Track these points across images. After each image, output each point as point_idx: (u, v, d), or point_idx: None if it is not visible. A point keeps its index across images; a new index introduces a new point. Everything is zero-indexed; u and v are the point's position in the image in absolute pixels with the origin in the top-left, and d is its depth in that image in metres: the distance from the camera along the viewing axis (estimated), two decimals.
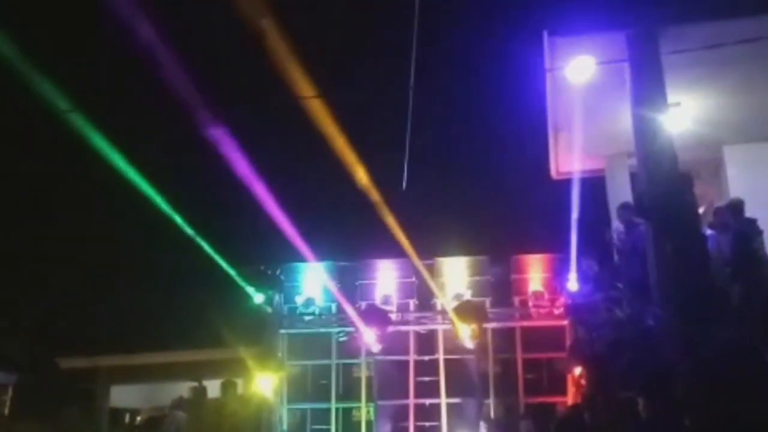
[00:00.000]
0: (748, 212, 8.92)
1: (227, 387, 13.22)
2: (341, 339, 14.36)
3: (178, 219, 13.69)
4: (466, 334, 13.43)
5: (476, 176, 17.95)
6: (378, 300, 14.38)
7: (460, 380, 13.81)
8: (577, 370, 9.41)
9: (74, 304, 17.75)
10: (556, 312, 13.79)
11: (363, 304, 14.33)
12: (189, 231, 13.83)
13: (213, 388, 13.60)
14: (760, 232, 8.39)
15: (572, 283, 11.28)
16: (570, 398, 12.22)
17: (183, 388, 14.53)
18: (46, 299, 17.87)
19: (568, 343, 12.68)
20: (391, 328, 13.90)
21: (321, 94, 13.24)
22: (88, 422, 15.70)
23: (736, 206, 8.85)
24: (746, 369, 2.68)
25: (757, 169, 11.48)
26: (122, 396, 17.25)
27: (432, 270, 14.54)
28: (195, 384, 13.92)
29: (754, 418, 2.43)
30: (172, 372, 15.95)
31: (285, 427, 13.88)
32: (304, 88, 11.32)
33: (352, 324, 13.98)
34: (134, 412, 17.93)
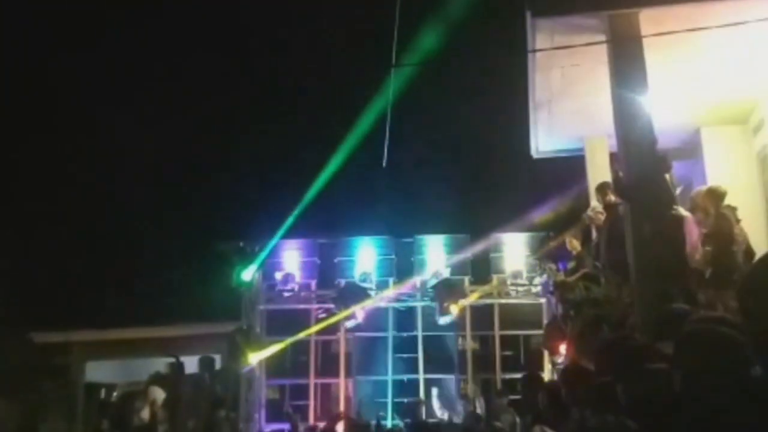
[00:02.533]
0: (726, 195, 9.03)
1: (205, 363, 13.20)
2: (320, 315, 14.42)
3: (157, 194, 13.60)
4: (445, 311, 13.53)
5: (457, 154, 17.99)
6: (357, 277, 14.42)
7: (439, 357, 13.95)
8: (556, 348, 9.53)
9: (49, 277, 17.58)
10: (534, 290, 13.95)
11: (342, 282, 14.37)
12: (168, 206, 13.75)
13: (190, 364, 13.59)
14: (738, 221, 8.51)
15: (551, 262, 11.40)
16: (546, 374, 12.39)
17: (160, 364, 14.49)
18: (21, 273, 17.66)
19: (545, 321, 12.85)
20: (370, 305, 13.96)
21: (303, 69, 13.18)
22: (63, 397, 15.62)
23: (717, 195, 8.90)
24: (719, 351, 2.71)
25: (734, 151, 11.64)
26: (98, 371, 17.16)
27: (412, 248, 14.62)
28: (172, 360, 13.89)
29: (726, 400, 2.47)
30: (148, 347, 15.87)
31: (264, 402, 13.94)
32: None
33: (331, 300, 14.03)
34: (110, 388, 17.85)
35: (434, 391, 13.47)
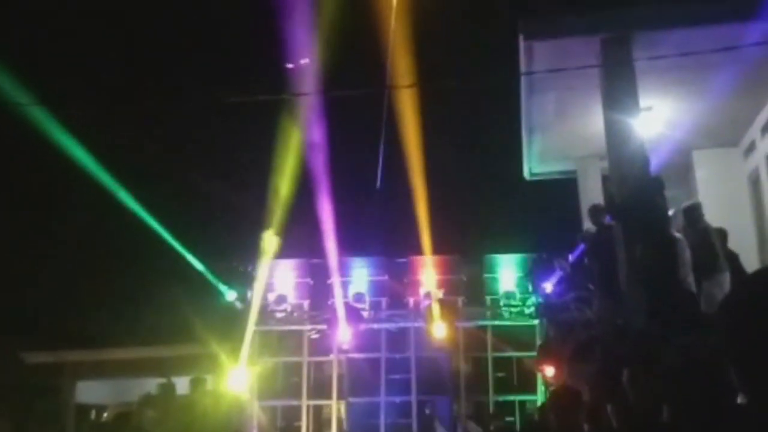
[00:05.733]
0: (717, 217, 9.08)
1: (196, 384, 13.10)
2: (313, 336, 14.35)
3: (148, 214, 13.57)
4: (438, 332, 13.50)
5: (450, 176, 18.07)
6: (350, 298, 14.39)
7: (432, 378, 13.88)
8: (549, 370, 9.50)
9: (40, 298, 17.50)
10: (527, 311, 13.94)
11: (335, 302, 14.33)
12: (160, 226, 13.71)
13: (182, 384, 13.50)
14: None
15: (544, 283, 11.41)
16: (540, 397, 12.35)
17: (151, 385, 14.38)
18: (12, 293, 17.58)
19: (538, 342, 12.81)
20: (363, 326, 13.91)
21: (294, 94, 13.24)
22: (54, 418, 15.49)
23: (688, 212, 8.94)
24: (709, 376, 2.71)
25: (725, 174, 11.73)
26: (88, 392, 17.03)
27: (405, 268, 14.61)
28: (163, 380, 13.79)
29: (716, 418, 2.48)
30: (139, 368, 15.76)
31: (255, 423, 13.83)
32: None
33: (324, 321, 13.98)
34: (101, 409, 17.70)
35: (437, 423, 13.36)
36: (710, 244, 8.40)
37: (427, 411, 13.42)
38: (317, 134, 13.75)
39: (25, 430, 14.70)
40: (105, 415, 17.29)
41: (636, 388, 3.98)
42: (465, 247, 15.53)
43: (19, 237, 18.39)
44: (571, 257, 11.15)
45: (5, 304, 17.33)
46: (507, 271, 14.52)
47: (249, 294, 14.36)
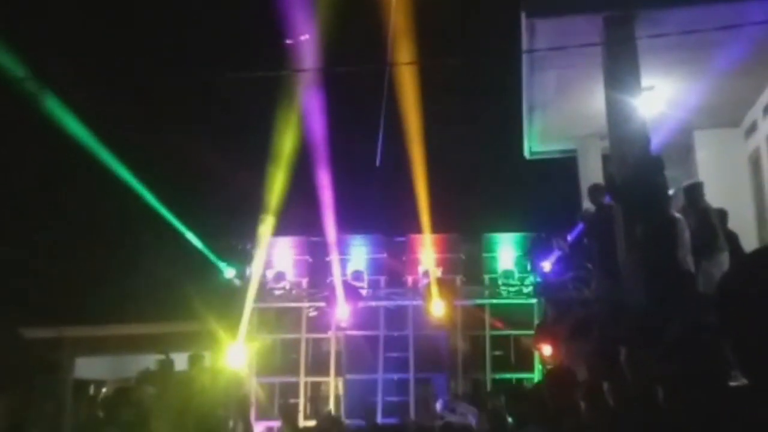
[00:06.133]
0: (717, 197, 9.06)
1: (195, 360, 13.15)
2: (311, 314, 14.39)
3: (148, 191, 13.55)
4: (436, 311, 13.53)
5: (449, 154, 18.00)
6: (349, 275, 14.41)
7: (429, 356, 13.93)
8: (546, 349, 9.54)
9: (39, 273, 17.50)
10: (525, 290, 13.97)
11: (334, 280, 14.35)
12: (159, 203, 13.70)
13: (180, 361, 13.54)
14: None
15: (543, 262, 11.41)
16: (537, 375, 12.42)
17: (149, 361, 14.43)
18: (11, 268, 17.58)
19: (536, 321, 12.85)
20: (361, 304, 13.95)
21: (293, 70, 13.16)
22: (52, 393, 15.54)
23: (689, 191, 8.92)
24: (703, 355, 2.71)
25: (726, 154, 11.69)
26: (87, 368, 17.09)
27: (404, 247, 14.62)
28: (162, 357, 13.84)
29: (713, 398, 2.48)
30: (138, 344, 15.79)
31: (253, 400, 13.90)
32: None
33: (322, 299, 14.01)
34: (99, 384, 17.77)
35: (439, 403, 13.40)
36: (710, 224, 8.38)
37: (424, 389, 13.47)
38: (317, 111, 13.69)
39: (23, 405, 14.76)
40: (104, 390, 17.38)
41: (633, 367, 3.98)
42: (464, 226, 15.52)
43: (18, 212, 18.37)
44: (570, 237, 11.14)
45: (4, 280, 17.34)
46: (506, 250, 14.53)
47: (248, 271, 14.39)
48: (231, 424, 11.82)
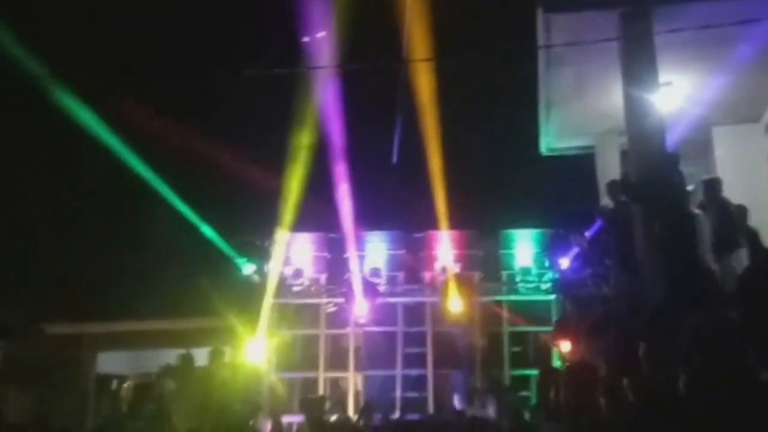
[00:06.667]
0: (736, 193, 9.04)
1: (215, 355, 13.27)
2: (330, 310, 14.46)
3: (168, 188, 13.69)
4: (454, 307, 13.56)
5: (466, 150, 18.00)
6: (367, 272, 14.47)
7: (447, 352, 13.97)
8: (565, 345, 9.56)
9: (61, 269, 17.70)
10: (544, 287, 13.97)
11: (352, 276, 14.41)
12: (179, 201, 13.83)
13: (200, 356, 13.67)
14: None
15: (561, 259, 11.41)
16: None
17: (170, 356, 14.57)
18: (32, 265, 17.80)
19: (554, 317, 12.86)
20: (379, 300, 14.00)
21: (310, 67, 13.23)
22: (75, 388, 15.74)
23: (708, 186, 8.91)
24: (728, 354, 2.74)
25: (744, 150, 11.63)
26: (109, 363, 17.28)
27: (422, 243, 14.65)
28: (183, 352, 13.97)
29: (737, 398, 2.51)
30: (159, 339, 15.96)
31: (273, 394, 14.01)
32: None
33: (340, 295, 14.08)
34: (121, 379, 17.94)
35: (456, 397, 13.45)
36: (729, 220, 8.37)
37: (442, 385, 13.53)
38: (334, 108, 13.76)
39: (46, 400, 14.96)
40: (125, 385, 17.55)
41: (652, 363, 4.02)
42: (482, 223, 15.51)
43: (38, 208, 18.58)
44: (588, 233, 11.14)
45: (26, 276, 17.56)
46: (524, 247, 14.52)
47: (266, 267, 14.48)
48: (250, 420, 11.93)
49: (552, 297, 13.59)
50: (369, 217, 15.22)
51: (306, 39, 13.41)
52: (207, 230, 14.50)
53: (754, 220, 8.86)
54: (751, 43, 8.87)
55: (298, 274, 14.53)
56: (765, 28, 8.10)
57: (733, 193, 8.99)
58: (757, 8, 7.96)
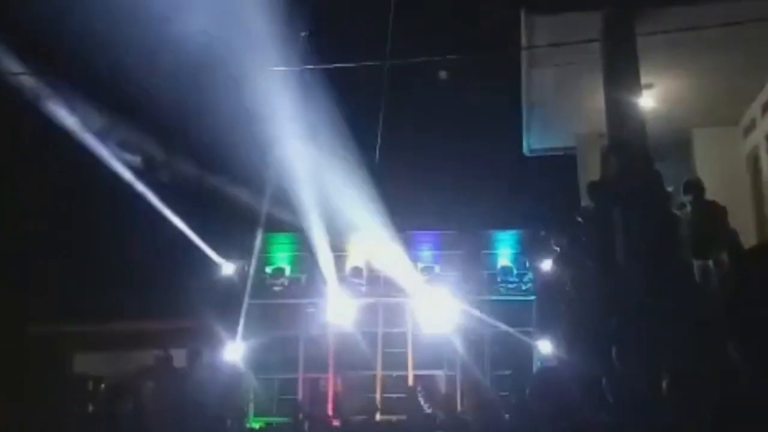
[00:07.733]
0: (716, 195, 9.05)
1: (193, 356, 13.15)
2: (309, 310, 14.39)
3: (146, 187, 13.55)
4: (435, 308, 13.55)
5: (448, 151, 17.99)
6: (348, 272, 14.41)
7: (427, 353, 13.94)
8: (544, 346, 9.54)
9: (38, 270, 17.50)
10: (524, 287, 13.97)
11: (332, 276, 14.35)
12: (158, 200, 13.70)
13: (179, 357, 13.53)
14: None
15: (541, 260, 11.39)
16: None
17: (148, 357, 14.43)
18: (11, 265, 17.57)
19: (535, 318, 12.84)
20: (360, 301, 13.96)
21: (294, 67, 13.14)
22: (52, 389, 15.55)
23: (688, 187, 8.91)
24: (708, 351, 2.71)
25: (725, 152, 11.69)
26: (86, 364, 17.11)
27: (404, 243, 14.62)
28: (160, 352, 13.83)
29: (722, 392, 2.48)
30: (137, 340, 15.82)
31: (252, 396, 13.90)
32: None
33: (320, 296, 14.01)
34: (98, 380, 17.76)
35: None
36: (709, 221, 8.38)
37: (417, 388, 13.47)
38: (318, 107, 13.68)
39: (23, 400, 14.77)
40: (102, 386, 17.36)
41: (626, 364, 3.99)
42: (463, 223, 15.49)
43: (17, 209, 18.35)
44: (568, 234, 11.12)
45: (4, 277, 17.34)
46: (504, 248, 14.54)
47: (246, 268, 14.39)
48: (228, 422, 11.83)
49: (533, 298, 13.59)
50: (352, 217, 15.15)
51: (293, 37, 13.34)
52: (187, 230, 14.37)
53: (733, 222, 8.89)
54: (732, 46, 8.89)
55: (278, 274, 14.46)
56: (746, 31, 8.12)
57: (712, 194, 9.00)
58: (738, 11, 7.98)
